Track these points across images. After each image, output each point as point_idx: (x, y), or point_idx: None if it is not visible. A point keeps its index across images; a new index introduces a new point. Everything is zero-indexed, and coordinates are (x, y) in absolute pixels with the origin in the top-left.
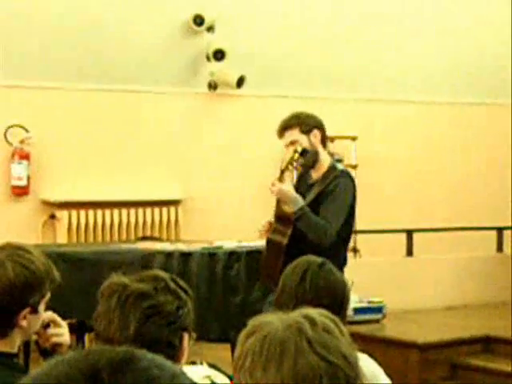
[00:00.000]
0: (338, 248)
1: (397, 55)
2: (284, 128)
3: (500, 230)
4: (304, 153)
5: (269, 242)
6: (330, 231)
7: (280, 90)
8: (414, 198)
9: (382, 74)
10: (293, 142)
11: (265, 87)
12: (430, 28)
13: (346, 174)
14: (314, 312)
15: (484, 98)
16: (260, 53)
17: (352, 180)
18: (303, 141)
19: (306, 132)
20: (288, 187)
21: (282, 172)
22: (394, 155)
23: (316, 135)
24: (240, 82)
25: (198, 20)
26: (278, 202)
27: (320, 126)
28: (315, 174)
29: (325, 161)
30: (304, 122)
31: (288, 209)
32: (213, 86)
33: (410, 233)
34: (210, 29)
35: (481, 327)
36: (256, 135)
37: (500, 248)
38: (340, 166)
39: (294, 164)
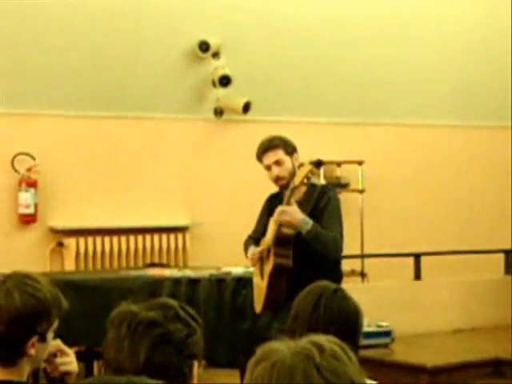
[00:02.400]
0: (336, 263)
1: (402, 80)
2: (267, 148)
3: (507, 253)
4: (319, 164)
5: (277, 267)
6: (340, 243)
7: (286, 115)
8: (422, 222)
9: (388, 98)
10: (278, 162)
11: (271, 112)
12: (433, 52)
13: (330, 188)
14: (323, 339)
15: (490, 120)
16: (266, 78)
17: (336, 192)
18: (287, 161)
19: (289, 154)
20: (296, 209)
21: (294, 189)
22: (400, 179)
23: (297, 158)
24: (246, 107)
25: (204, 46)
26: (280, 225)
27: (297, 150)
28: (297, 194)
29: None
30: (287, 144)
31: (289, 231)
32: (219, 112)
33: (417, 256)
34: (216, 55)
35: (490, 350)
36: None
37: (508, 271)
38: (319, 182)
39: (309, 176)
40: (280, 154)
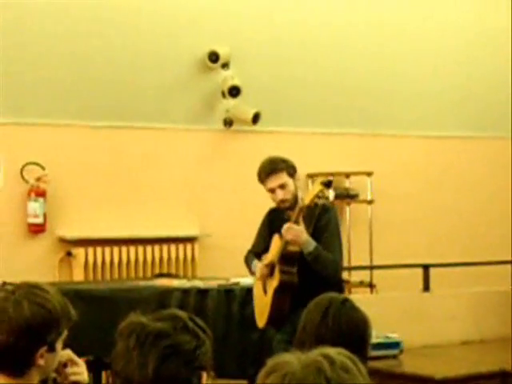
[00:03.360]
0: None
1: (410, 92)
2: (271, 172)
3: None
4: (330, 184)
5: (282, 284)
6: (339, 266)
7: (295, 125)
8: (430, 233)
9: (396, 110)
10: (282, 186)
11: (280, 123)
12: (439, 65)
13: (328, 207)
14: (333, 351)
15: (496, 131)
16: (275, 89)
17: (335, 211)
18: (290, 184)
19: (292, 175)
20: (303, 229)
21: (303, 209)
22: (409, 190)
23: (299, 178)
24: (255, 118)
25: (213, 57)
26: (286, 242)
27: (296, 169)
28: (294, 214)
29: (304, 199)
30: (290, 166)
31: (294, 248)
32: (228, 123)
33: (426, 268)
34: (225, 65)
35: (498, 362)
36: None
37: None
38: (320, 201)
39: (320, 196)
40: (284, 178)
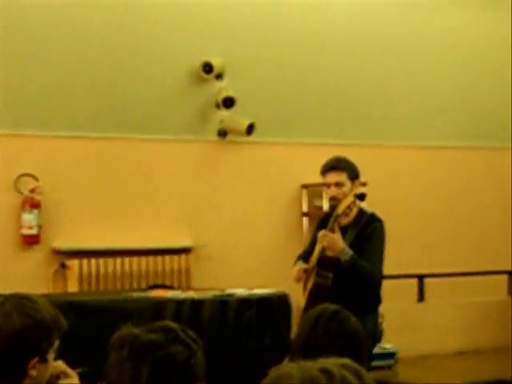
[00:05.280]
0: (376, 286)
1: (406, 103)
2: (333, 167)
3: (511, 274)
4: (362, 197)
5: (316, 286)
6: (377, 276)
7: (290, 136)
8: (425, 243)
9: (391, 120)
10: (338, 184)
11: (274, 134)
12: (436, 77)
13: (377, 218)
14: (335, 364)
15: (496, 142)
16: (269, 100)
17: (383, 224)
18: (347, 186)
19: (352, 179)
20: (338, 237)
21: (337, 217)
22: (403, 200)
23: (357, 185)
24: (250, 129)
25: (207, 68)
26: (323, 248)
27: (359, 176)
28: (346, 218)
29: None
30: (352, 169)
31: (331, 253)
32: (223, 134)
33: (421, 278)
34: (219, 76)
35: (494, 371)
36: (267, 182)
37: (511, 292)
38: (368, 210)
39: (352, 207)
40: (343, 177)
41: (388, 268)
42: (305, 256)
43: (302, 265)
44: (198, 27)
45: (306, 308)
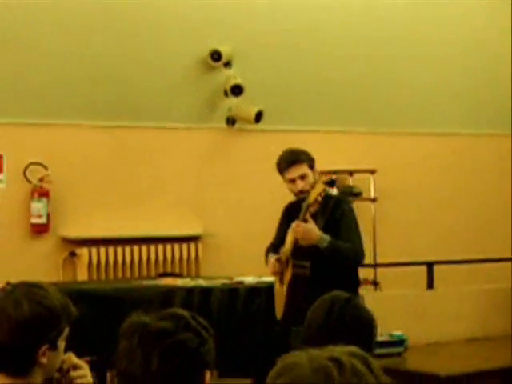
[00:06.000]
0: (353, 269)
1: (412, 90)
2: (293, 162)
3: None
4: (332, 183)
5: (295, 277)
6: (360, 252)
7: (298, 124)
8: (434, 230)
9: (400, 107)
10: (303, 177)
11: (283, 122)
12: (440, 64)
13: (343, 200)
14: (344, 352)
15: (498, 128)
16: (278, 87)
17: (350, 202)
18: (310, 176)
19: (312, 168)
20: (313, 226)
21: (309, 206)
22: (412, 188)
23: (317, 171)
24: (258, 116)
25: (216, 55)
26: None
27: (315, 164)
28: (312, 207)
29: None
30: (310, 159)
31: (305, 243)
32: (231, 122)
33: (430, 265)
34: (228, 64)
35: (503, 359)
36: (275, 170)
37: None
38: (334, 192)
39: (323, 195)
40: (305, 169)
41: (397, 255)
42: (274, 248)
43: (275, 256)
44: (206, 15)
45: (288, 301)
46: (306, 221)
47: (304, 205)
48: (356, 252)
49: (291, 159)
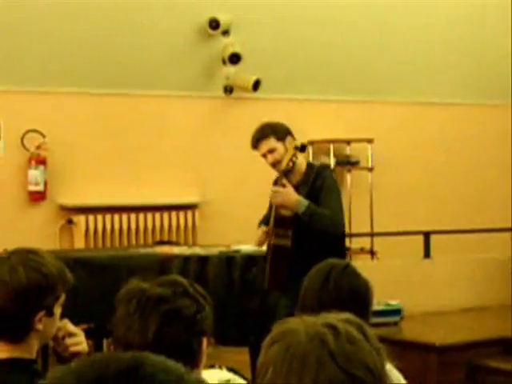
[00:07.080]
0: (339, 240)
1: (410, 60)
2: (259, 138)
3: None
4: (303, 148)
5: (275, 247)
6: (339, 219)
7: (296, 93)
8: (431, 200)
9: (398, 76)
10: (271, 151)
11: (281, 90)
12: (438, 33)
13: (325, 167)
14: (339, 319)
15: (497, 98)
16: (276, 56)
17: (331, 170)
18: (280, 148)
19: (281, 139)
20: (290, 190)
21: (285, 173)
22: (409, 157)
23: (290, 141)
24: (256, 85)
25: (214, 24)
26: (276, 207)
27: (291, 132)
28: (295, 177)
29: (301, 163)
30: (277, 130)
31: (286, 212)
32: (228, 90)
33: (427, 235)
34: (226, 32)
35: (498, 329)
36: None
37: None
38: (316, 162)
39: (294, 160)
40: (272, 143)
41: (394, 224)
42: (266, 221)
43: (263, 228)
44: None
45: (271, 270)
46: (283, 186)
47: (279, 171)
48: (334, 219)
49: (256, 136)
